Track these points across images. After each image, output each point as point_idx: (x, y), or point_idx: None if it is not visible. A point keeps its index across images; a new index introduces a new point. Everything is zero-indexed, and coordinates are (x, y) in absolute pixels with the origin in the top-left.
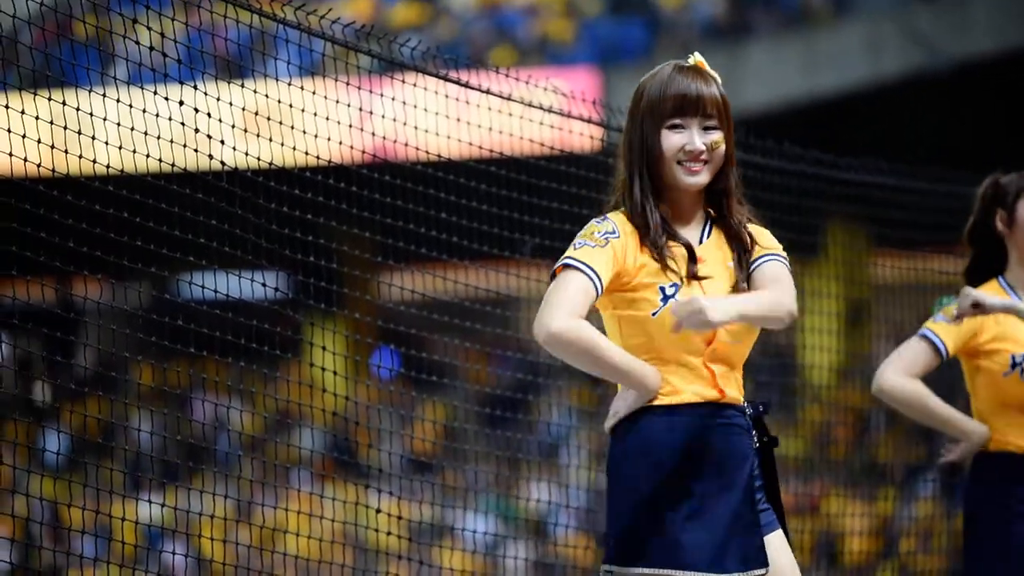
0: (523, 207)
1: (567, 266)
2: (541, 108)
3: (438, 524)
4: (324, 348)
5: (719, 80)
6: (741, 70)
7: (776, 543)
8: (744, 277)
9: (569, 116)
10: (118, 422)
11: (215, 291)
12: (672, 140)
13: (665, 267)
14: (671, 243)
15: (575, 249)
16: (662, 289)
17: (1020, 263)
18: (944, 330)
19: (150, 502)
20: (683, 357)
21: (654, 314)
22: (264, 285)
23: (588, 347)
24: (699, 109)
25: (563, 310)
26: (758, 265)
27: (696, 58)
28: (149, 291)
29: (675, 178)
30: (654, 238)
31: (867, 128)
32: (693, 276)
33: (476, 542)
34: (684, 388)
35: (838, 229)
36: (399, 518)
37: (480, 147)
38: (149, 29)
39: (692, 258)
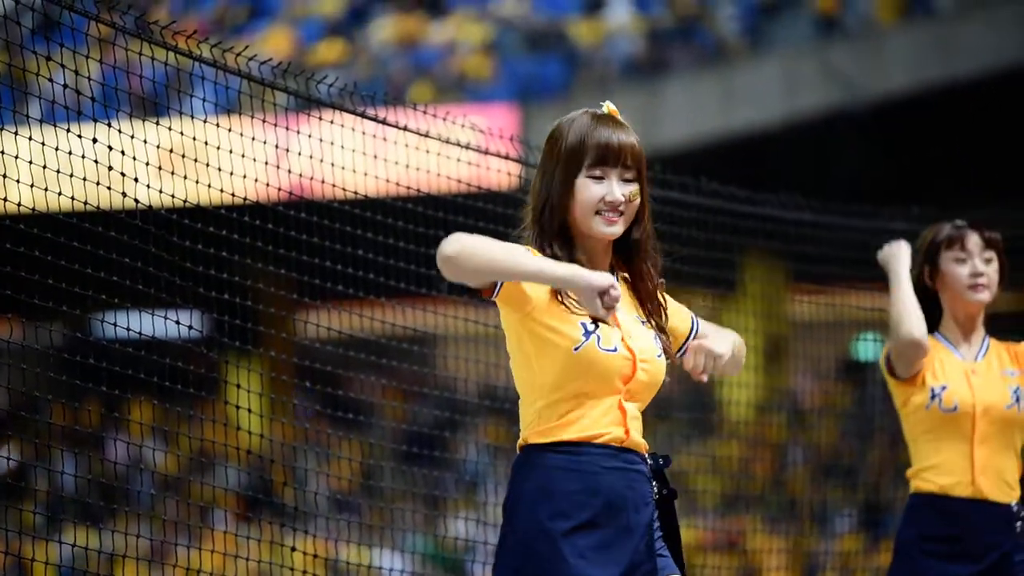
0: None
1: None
2: (459, 145)
3: (357, 563)
4: (239, 386)
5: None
6: (659, 107)
7: None
8: (659, 331)
9: (487, 153)
10: (31, 462)
11: (128, 330)
12: (592, 190)
13: (573, 312)
14: None
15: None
16: (583, 325)
17: (952, 317)
18: None
19: (61, 543)
20: (600, 394)
21: (576, 349)
22: (178, 323)
23: (483, 246)
24: (620, 159)
25: (451, 240)
26: (696, 331)
27: (609, 107)
28: (63, 330)
29: (591, 228)
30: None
31: (785, 164)
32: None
33: None
34: (591, 426)
35: (756, 265)
36: (315, 556)
37: (398, 184)
38: (63, 67)
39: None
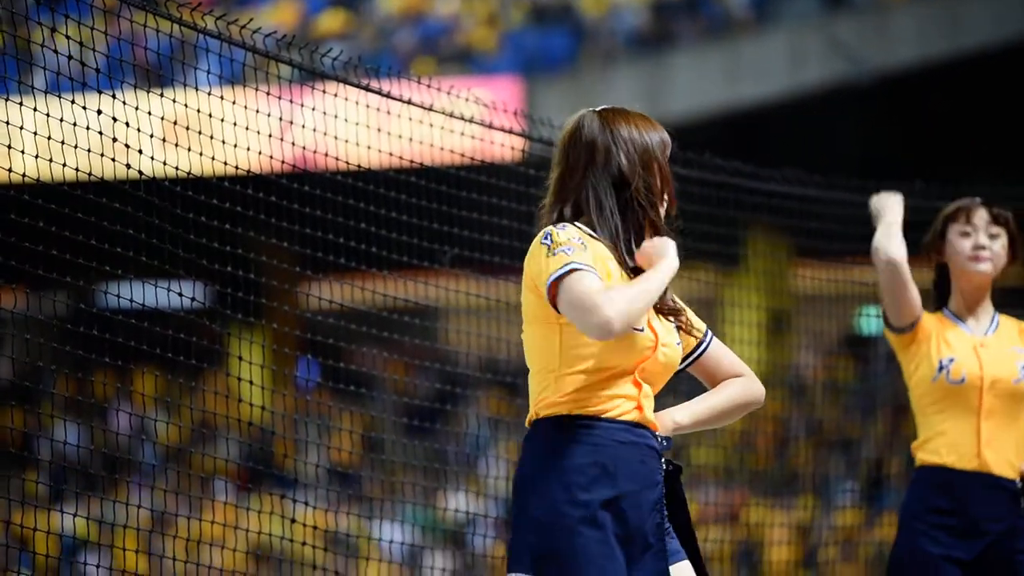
0: (444, 218)
1: (573, 270)
2: (463, 119)
3: (357, 534)
4: (241, 358)
5: None
6: (664, 80)
7: (684, 573)
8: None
9: (491, 127)
10: (36, 433)
11: (131, 301)
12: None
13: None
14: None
15: (567, 255)
16: None
17: (959, 290)
18: None
19: (62, 512)
20: (619, 369)
21: None
22: (181, 295)
23: (645, 303)
24: None
25: (601, 302)
26: (709, 343)
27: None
28: (67, 301)
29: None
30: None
31: (789, 138)
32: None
33: (395, 552)
34: (606, 400)
35: (759, 240)
36: (315, 528)
37: (401, 158)
38: (68, 38)
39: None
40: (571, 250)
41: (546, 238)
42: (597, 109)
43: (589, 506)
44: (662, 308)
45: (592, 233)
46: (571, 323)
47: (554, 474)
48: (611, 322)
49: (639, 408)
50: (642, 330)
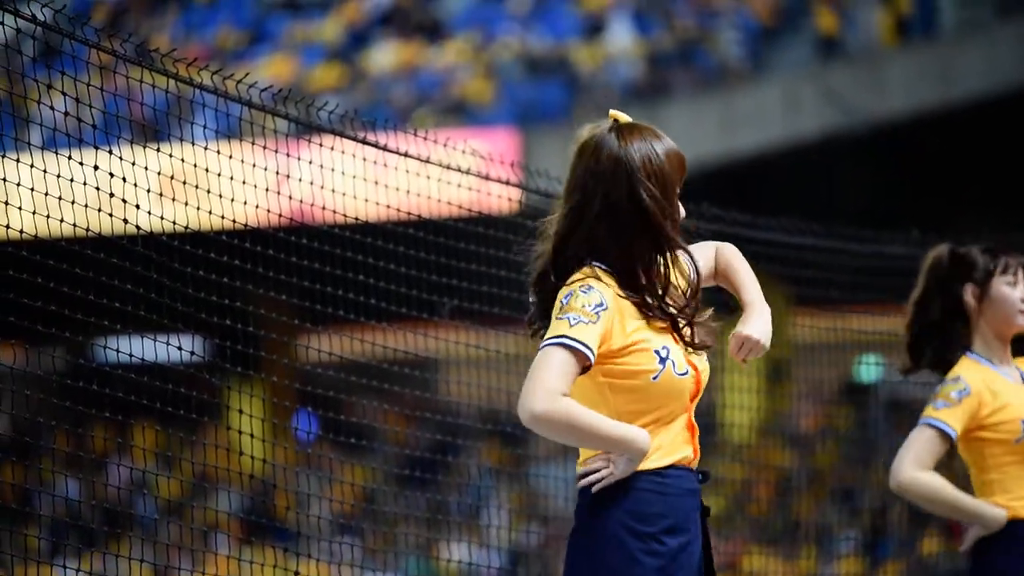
0: (441, 269)
1: (560, 344)
2: (459, 170)
3: None
4: (241, 411)
5: None
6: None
7: None
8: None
9: (487, 178)
10: (34, 488)
11: (130, 355)
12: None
13: (672, 329)
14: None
15: (569, 325)
16: (657, 352)
17: (994, 336)
18: (948, 415)
19: (65, 567)
20: (674, 415)
21: (655, 378)
22: (179, 349)
23: (573, 424)
24: None
25: (544, 390)
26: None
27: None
28: (66, 356)
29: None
30: (660, 299)
31: (785, 187)
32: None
33: None
34: (671, 448)
35: None
36: None
37: (398, 210)
38: (64, 94)
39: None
40: (577, 320)
41: (567, 297)
42: (611, 129)
43: (664, 556)
44: (697, 346)
45: (619, 288)
46: (617, 386)
47: (631, 523)
48: (530, 413)
49: (695, 450)
50: (685, 373)
